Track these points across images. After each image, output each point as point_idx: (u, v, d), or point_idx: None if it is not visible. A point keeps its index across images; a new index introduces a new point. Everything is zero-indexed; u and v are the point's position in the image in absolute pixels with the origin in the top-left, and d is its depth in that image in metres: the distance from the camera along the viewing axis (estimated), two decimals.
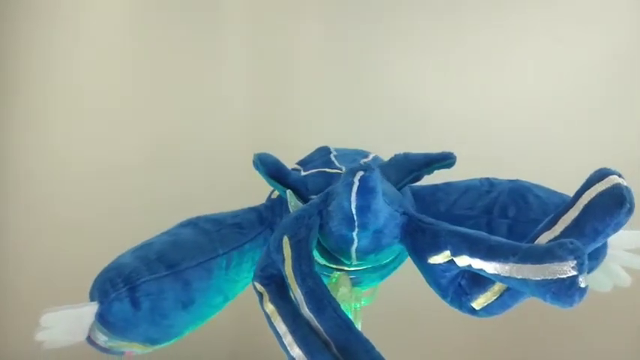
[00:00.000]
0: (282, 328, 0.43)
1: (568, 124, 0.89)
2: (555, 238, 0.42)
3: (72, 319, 0.49)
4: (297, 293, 0.43)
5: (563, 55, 0.89)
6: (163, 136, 0.89)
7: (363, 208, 0.43)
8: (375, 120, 0.88)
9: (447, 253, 0.43)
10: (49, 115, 0.88)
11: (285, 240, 0.45)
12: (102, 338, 0.50)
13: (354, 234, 0.45)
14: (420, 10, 0.89)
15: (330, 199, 0.47)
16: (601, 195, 0.42)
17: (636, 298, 0.58)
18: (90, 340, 0.51)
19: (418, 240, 0.45)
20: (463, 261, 0.42)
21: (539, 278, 0.37)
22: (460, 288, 0.44)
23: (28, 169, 0.87)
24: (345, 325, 0.41)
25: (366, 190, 0.43)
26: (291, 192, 0.51)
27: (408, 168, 0.54)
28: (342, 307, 0.51)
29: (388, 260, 0.51)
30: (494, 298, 0.43)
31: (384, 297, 0.58)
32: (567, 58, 0.89)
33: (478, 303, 0.43)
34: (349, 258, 0.48)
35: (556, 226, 0.42)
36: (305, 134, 0.87)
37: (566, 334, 0.88)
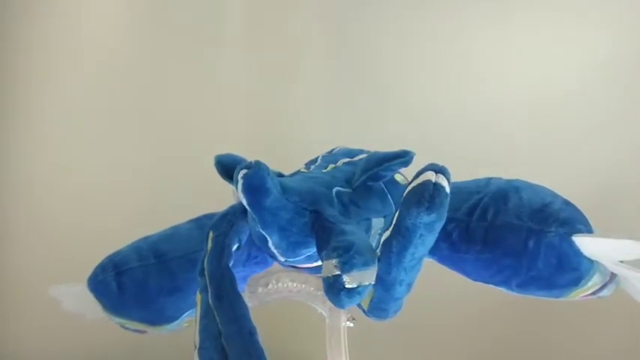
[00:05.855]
0: (198, 314, 0.47)
1: (570, 124, 0.82)
2: (387, 239, 0.39)
3: (78, 296, 0.58)
4: (208, 284, 0.46)
5: (565, 54, 0.83)
6: (164, 137, 0.92)
7: (254, 206, 0.44)
8: (376, 119, 0.85)
9: None
10: (49, 116, 0.93)
11: (210, 235, 0.49)
12: (109, 315, 0.59)
13: (262, 231, 0.46)
14: (423, 9, 0.85)
15: None
16: (410, 192, 0.38)
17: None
18: None
19: (318, 238, 0.45)
20: None
21: (323, 276, 0.35)
22: None
23: (28, 170, 0.93)
24: (233, 316, 0.43)
25: (251, 189, 0.43)
26: (234, 190, 0.54)
27: (364, 167, 0.53)
28: (321, 307, 0.53)
29: None
30: (370, 298, 0.41)
31: None
32: (569, 57, 0.83)
33: (364, 303, 0.42)
34: (274, 255, 0.49)
35: (391, 226, 0.39)
36: (306, 133, 0.87)
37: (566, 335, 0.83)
